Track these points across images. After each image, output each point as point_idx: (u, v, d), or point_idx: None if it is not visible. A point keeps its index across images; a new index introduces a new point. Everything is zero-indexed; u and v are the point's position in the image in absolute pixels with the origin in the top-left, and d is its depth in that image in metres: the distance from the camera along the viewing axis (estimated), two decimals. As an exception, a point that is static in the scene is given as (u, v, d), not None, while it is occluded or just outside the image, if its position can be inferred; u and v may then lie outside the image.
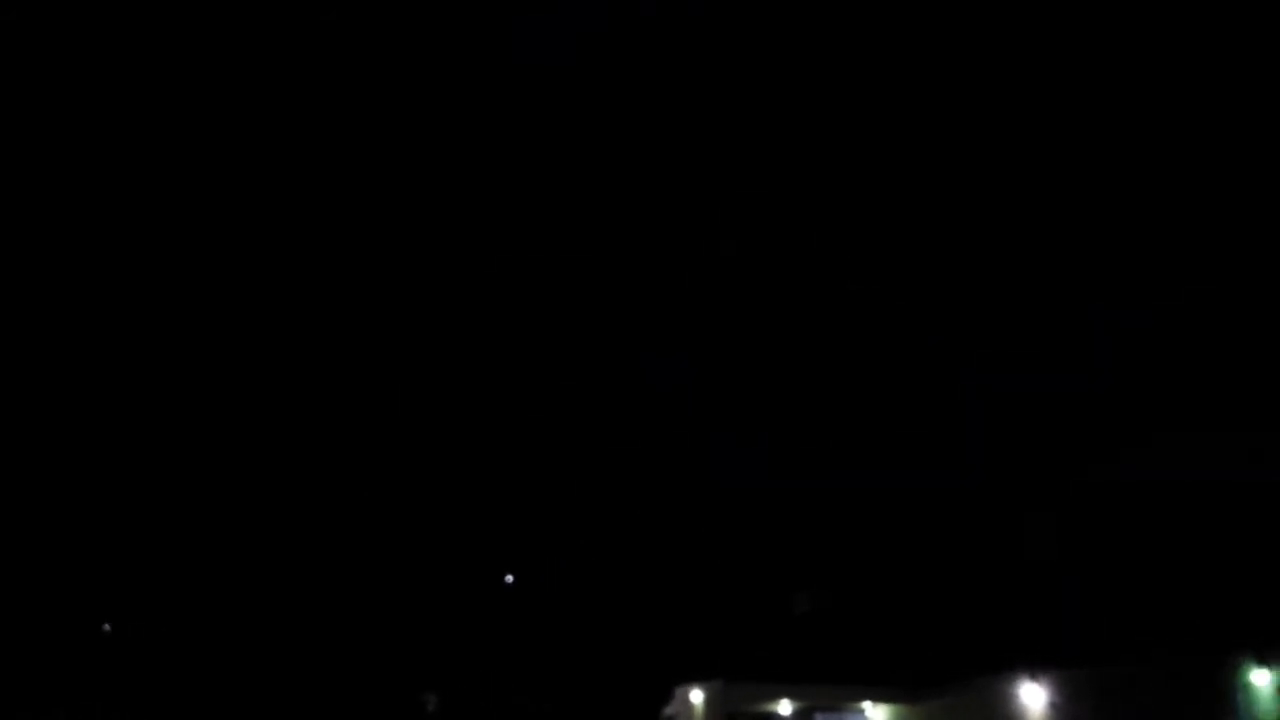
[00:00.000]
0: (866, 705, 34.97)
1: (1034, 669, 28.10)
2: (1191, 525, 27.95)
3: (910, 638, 35.41)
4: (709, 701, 35.70)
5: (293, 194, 35.03)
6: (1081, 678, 26.87)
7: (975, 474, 34.76)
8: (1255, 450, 26.30)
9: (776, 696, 34.81)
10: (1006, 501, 34.02)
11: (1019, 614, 31.84)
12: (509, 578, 43.20)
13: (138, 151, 33.40)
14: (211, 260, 37.73)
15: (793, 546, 39.56)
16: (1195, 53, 25.06)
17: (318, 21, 29.00)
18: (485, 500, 44.36)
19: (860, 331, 35.14)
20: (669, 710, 36.50)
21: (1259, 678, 21.42)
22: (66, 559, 43.61)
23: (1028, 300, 30.61)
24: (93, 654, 44.74)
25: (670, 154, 32.17)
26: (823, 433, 38.09)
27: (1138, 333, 27.41)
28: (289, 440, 43.52)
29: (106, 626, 45.75)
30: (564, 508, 42.81)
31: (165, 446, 42.52)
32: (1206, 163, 25.67)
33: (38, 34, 28.92)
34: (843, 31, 28.15)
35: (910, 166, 30.48)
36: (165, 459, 42.88)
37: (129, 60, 30.28)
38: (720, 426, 39.96)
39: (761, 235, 33.52)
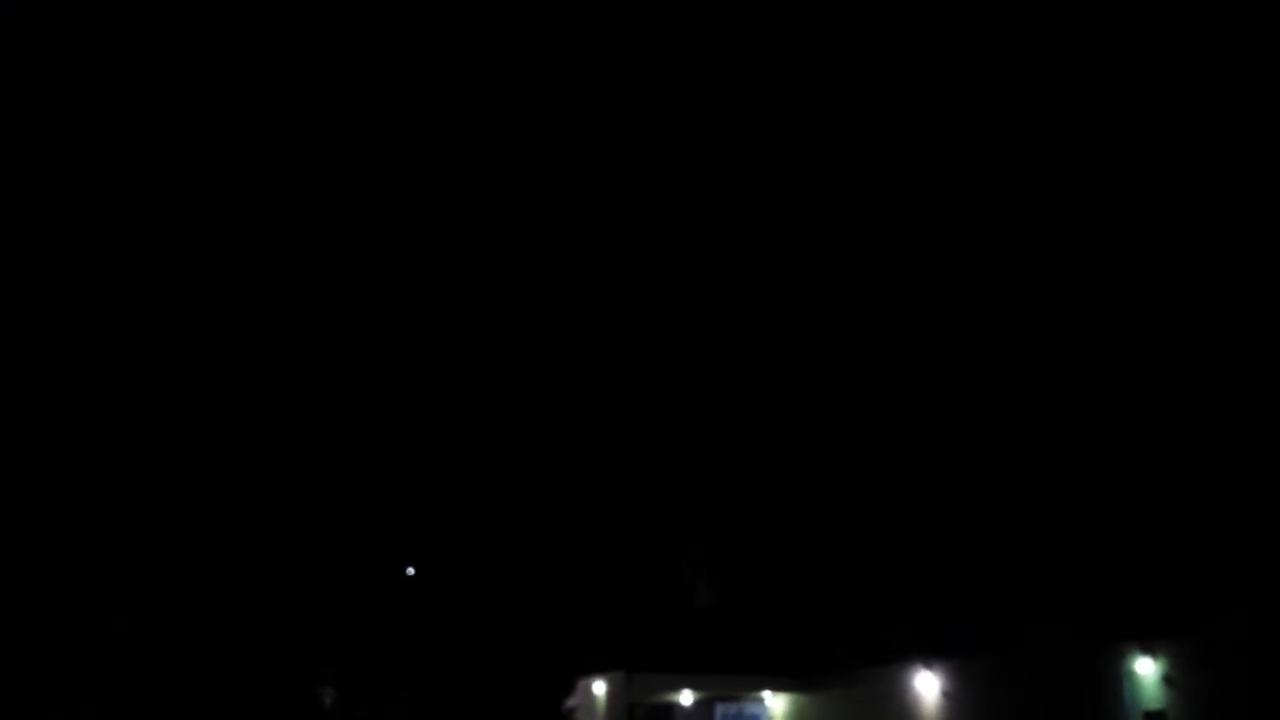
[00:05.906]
0: (766, 694, 35.53)
1: (928, 658, 28.82)
2: (1080, 516, 28.81)
3: (808, 628, 36.01)
4: (611, 693, 35.89)
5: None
6: (974, 667, 27.48)
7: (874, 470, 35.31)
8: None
9: (678, 687, 35.16)
10: (903, 493, 34.65)
11: (914, 605, 32.55)
12: (410, 570, 42.84)
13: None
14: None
15: (693, 537, 39.89)
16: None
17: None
18: (385, 491, 43.89)
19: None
20: (571, 702, 36.60)
21: (1143, 666, 21.91)
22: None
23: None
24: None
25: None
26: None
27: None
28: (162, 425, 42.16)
29: None
30: (466, 499, 42.56)
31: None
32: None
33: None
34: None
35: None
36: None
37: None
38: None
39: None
